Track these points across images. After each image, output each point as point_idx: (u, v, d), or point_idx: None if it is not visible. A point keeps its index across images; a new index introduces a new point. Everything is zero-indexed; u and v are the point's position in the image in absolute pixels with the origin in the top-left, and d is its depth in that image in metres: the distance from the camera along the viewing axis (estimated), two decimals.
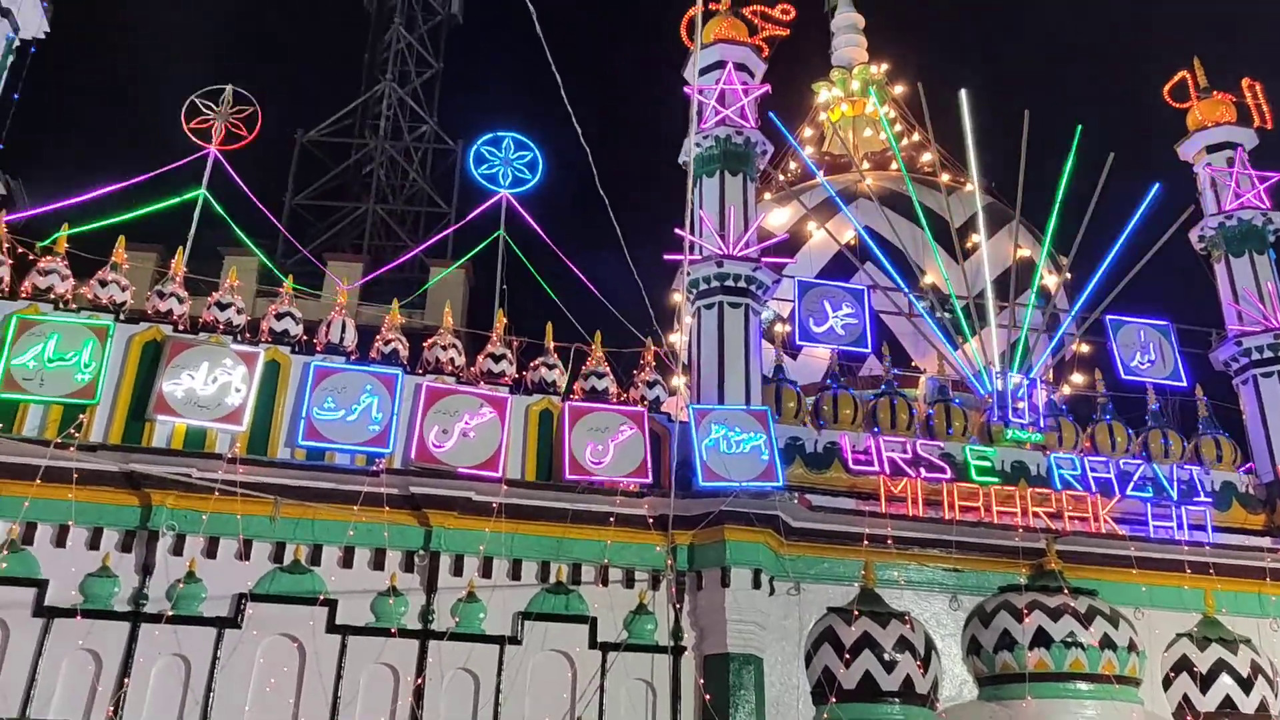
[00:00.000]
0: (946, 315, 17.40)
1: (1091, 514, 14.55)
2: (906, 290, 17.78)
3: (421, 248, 18.07)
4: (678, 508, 12.80)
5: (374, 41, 35.74)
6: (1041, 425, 15.39)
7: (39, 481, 11.17)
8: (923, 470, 14.39)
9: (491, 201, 15.90)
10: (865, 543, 13.37)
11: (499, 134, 16.24)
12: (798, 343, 16.10)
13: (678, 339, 17.77)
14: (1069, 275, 19.74)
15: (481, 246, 15.65)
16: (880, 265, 18.11)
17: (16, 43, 13.78)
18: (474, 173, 16.27)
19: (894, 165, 20.56)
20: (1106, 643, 13.09)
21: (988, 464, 14.78)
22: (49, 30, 14.31)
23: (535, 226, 15.53)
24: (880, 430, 14.76)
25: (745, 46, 16.46)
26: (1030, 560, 13.78)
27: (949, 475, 14.43)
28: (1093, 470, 14.96)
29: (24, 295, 12.52)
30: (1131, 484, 14.99)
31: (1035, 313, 17.62)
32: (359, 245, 31.36)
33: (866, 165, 21.87)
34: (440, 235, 18.20)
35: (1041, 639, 13.07)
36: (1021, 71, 36.17)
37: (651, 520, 12.94)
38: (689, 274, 14.86)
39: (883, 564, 13.50)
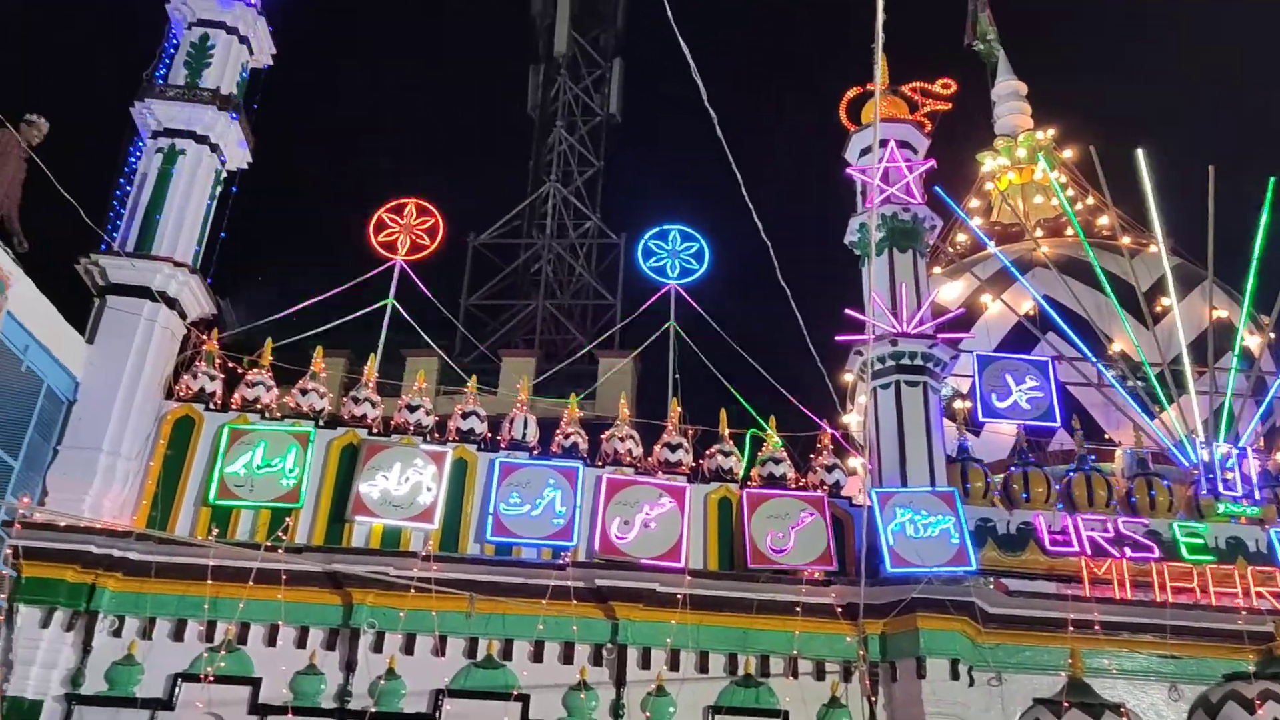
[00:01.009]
0: (1139, 384, 16.56)
1: None
2: (1094, 360, 17.04)
3: (595, 343, 18.50)
4: (866, 595, 12.43)
5: (538, 145, 37.31)
6: (1257, 497, 14.33)
7: (251, 583, 11.79)
8: (1127, 550, 13.57)
9: (660, 293, 16.16)
10: (1070, 629, 12.63)
11: (665, 227, 16.57)
12: (980, 420, 15.60)
13: (853, 420, 17.53)
14: (1273, 335, 18.53)
15: (653, 338, 15.88)
16: (1064, 335, 17.45)
17: (224, 174, 15.00)
18: (642, 266, 16.60)
19: (1069, 231, 19.95)
20: None
21: (1200, 541, 13.81)
22: (251, 160, 15.52)
23: (706, 317, 15.69)
24: (1077, 508, 14.04)
25: (907, 123, 16.38)
26: (1257, 645, 12.66)
27: (1157, 554, 13.56)
28: None
29: (234, 407, 13.39)
30: None
31: (1239, 377, 16.57)
32: (530, 340, 32.35)
33: (1039, 233, 21.26)
34: (612, 330, 18.51)
35: None
36: (1197, 126, 34.67)
37: (840, 609, 12.62)
38: (862, 354, 14.67)
39: (1091, 651, 12.67)
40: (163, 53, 15.02)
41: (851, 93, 16.95)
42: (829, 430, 14.53)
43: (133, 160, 14.37)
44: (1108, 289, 17.46)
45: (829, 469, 14.12)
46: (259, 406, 13.41)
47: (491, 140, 43.64)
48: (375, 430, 13.52)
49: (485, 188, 37.65)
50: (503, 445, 13.74)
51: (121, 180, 14.30)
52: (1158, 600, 13.16)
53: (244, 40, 15.30)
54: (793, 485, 13.89)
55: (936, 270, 20.95)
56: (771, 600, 12.61)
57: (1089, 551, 13.56)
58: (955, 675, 12.15)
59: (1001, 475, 14.63)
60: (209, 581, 11.83)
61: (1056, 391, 15.22)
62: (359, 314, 15.35)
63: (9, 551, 11.50)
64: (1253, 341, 18.00)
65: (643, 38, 38.53)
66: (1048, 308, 17.97)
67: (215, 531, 12.42)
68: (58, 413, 12.52)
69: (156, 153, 14.27)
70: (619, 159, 37.58)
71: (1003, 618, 12.69)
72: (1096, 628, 12.69)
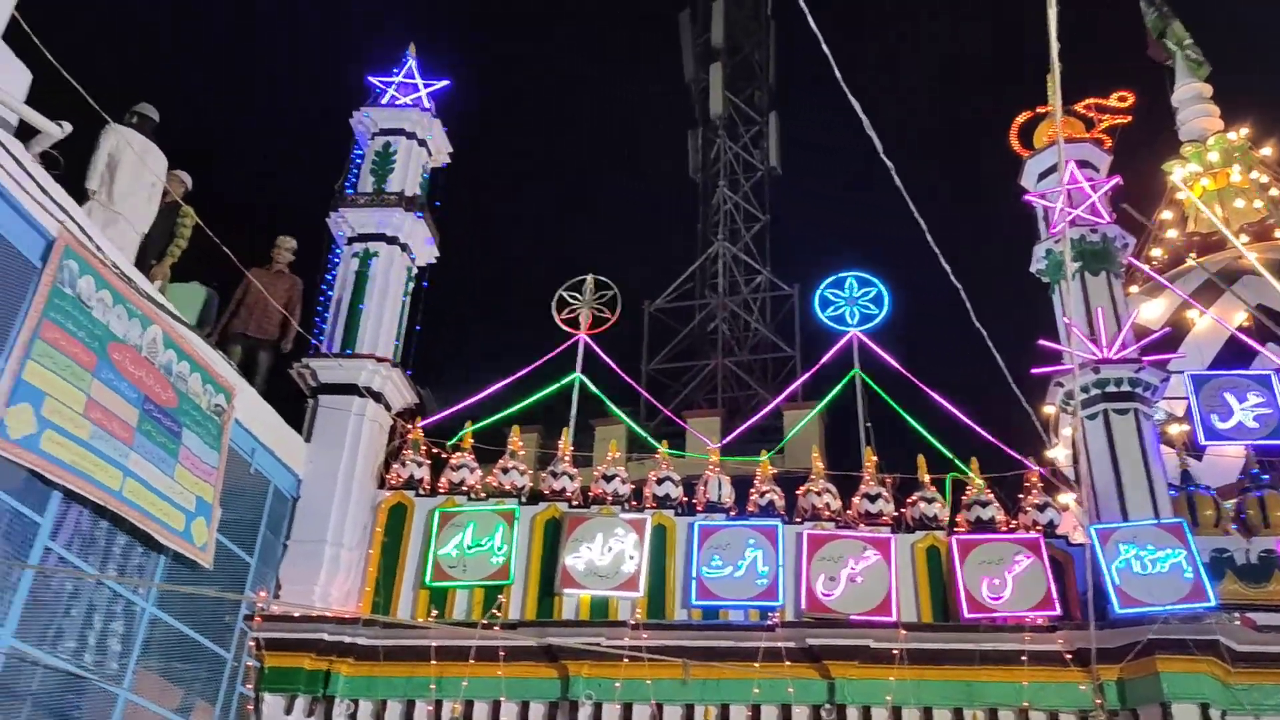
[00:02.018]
0: None
1: None
2: None
3: (780, 398, 18.40)
4: (1097, 639, 11.73)
5: (703, 206, 37.81)
6: None
7: (472, 661, 12.17)
8: None
9: (843, 342, 15.97)
10: None
11: (841, 275, 16.42)
12: (1202, 443, 14.61)
13: (1060, 455, 16.74)
14: None
15: (840, 388, 15.69)
16: None
17: (414, 270, 15.84)
18: (820, 316, 16.46)
19: (1278, 233, 18.60)
20: None
21: None
22: (438, 255, 16.34)
23: (892, 362, 15.40)
24: None
25: (1085, 142, 15.76)
26: None
27: None
28: None
29: (442, 490, 13.96)
30: None
31: None
32: (713, 399, 32.47)
33: (1244, 239, 19.95)
34: (796, 383, 18.40)
35: None
36: None
37: (1069, 656, 11.97)
38: (1063, 385, 14.04)
39: None
40: (350, 164, 16.06)
41: (1021, 118, 16.49)
42: (1036, 468, 13.92)
43: (332, 267, 15.35)
44: None
45: (1040, 508, 13.49)
46: (465, 488, 13.95)
47: (657, 207, 44.56)
48: (575, 503, 13.83)
49: (656, 254, 38.48)
50: (699, 508, 13.79)
51: (323, 286, 15.29)
52: None
53: (422, 143, 16.20)
54: (1003, 528, 13.34)
55: (1134, 290, 19.90)
56: (994, 650, 12.08)
57: None
58: None
59: (1234, 501, 13.64)
60: (433, 662, 12.28)
61: None
62: (550, 391, 15.84)
63: (253, 644, 12.28)
64: None
65: (797, 88, 38.74)
66: (1263, 317, 16.77)
67: (434, 613, 12.92)
68: (284, 510, 13.35)
69: (353, 257, 15.20)
70: (784, 210, 37.67)
71: (1254, 656, 11.70)
72: None
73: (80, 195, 11.15)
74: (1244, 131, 22.76)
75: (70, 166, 10.49)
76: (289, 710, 12.32)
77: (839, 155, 35.43)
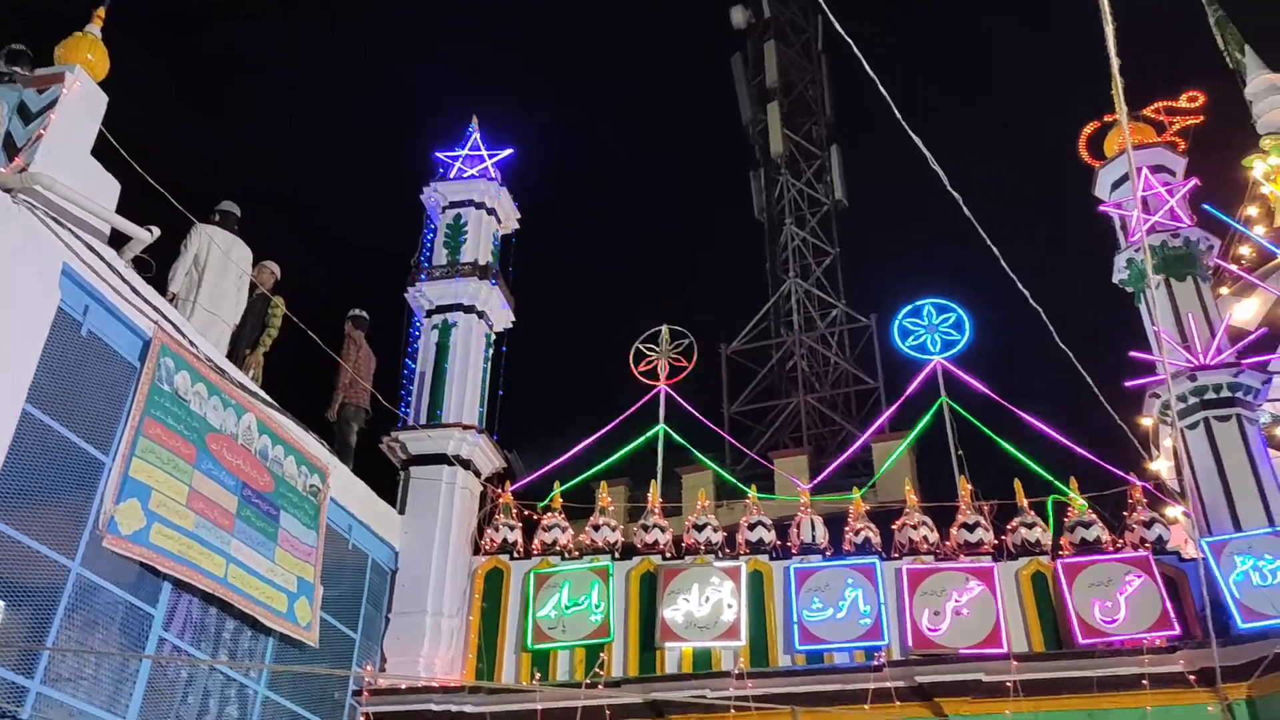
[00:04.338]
0: None
1: None
2: None
3: (871, 431, 18.20)
4: (1221, 657, 11.27)
5: (771, 246, 37.79)
6: None
7: None
8: None
9: (926, 371, 15.74)
10: None
11: (919, 303, 16.23)
12: None
13: (1162, 468, 16.23)
14: None
15: (929, 416, 15.45)
16: None
17: (492, 336, 16.11)
18: (901, 346, 16.25)
19: None
20: None
21: None
22: (514, 320, 16.60)
23: (980, 387, 15.14)
24: None
25: (1157, 147, 15.46)
26: None
27: None
28: None
29: (536, 552, 14.06)
30: None
31: None
32: (798, 438, 32.18)
33: None
34: (885, 416, 18.16)
35: None
36: None
37: (1192, 676, 11.52)
38: (1160, 396, 13.66)
39: None
40: (423, 239, 16.48)
41: (1089, 129, 16.23)
42: (1138, 483, 13.51)
43: (413, 340, 15.70)
44: None
45: (1147, 524, 13.09)
46: (558, 548, 14.02)
47: (726, 251, 44.70)
48: (668, 554, 13.80)
49: (728, 299, 38.50)
50: (793, 551, 13.65)
51: (406, 360, 15.62)
52: None
53: (491, 212, 16.56)
54: (1110, 548, 12.95)
55: (1224, 291, 19.29)
56: (1112, 676, 11.69)
57: None
58: None
59: None
60: None
61: None
62: (635, 445, 15.89)
63: (363, 718, 12.43)
64: None
65: (855, 117, 38.67)
66: None
67: (538, 675, 12.95)
68: (384, 583, 13.57)
69: (432, 329, 15.54)
70: (853, 242, 37.48)
71: None
72: None
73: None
74: None
75: (162, 266, 10.98)
76: None
77: (905, 183, 35.28)
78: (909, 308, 16.29)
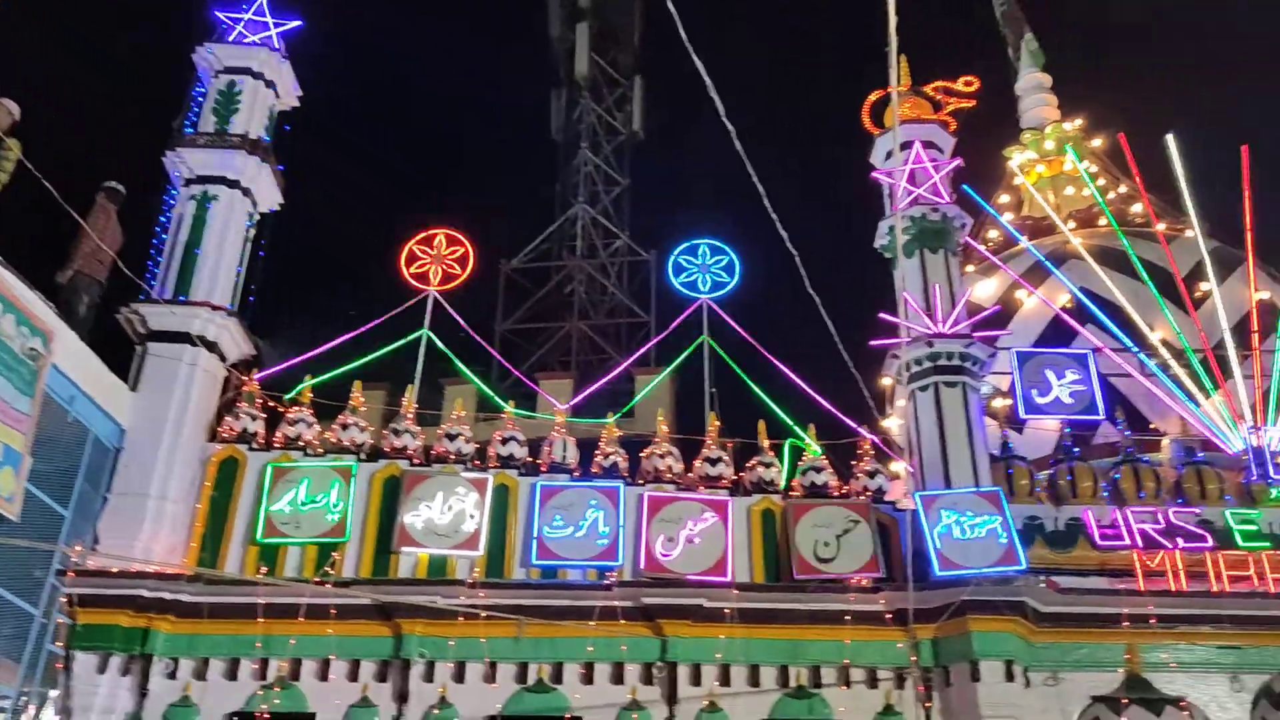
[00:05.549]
0: (1183, 371, 16.30)
1: None
2: (1135, 349, 16.81)
3: (628, 361, 18.53)
4: (916, 600, 12.31)
5: (564, 168, 37.50)
6: None
7: (302, 619, 11.89)
8: (1180, 540, 13.35)
9: (693, 308, 16.15)
10: (1125, 624, 12.47)
11: (695, 242, 16.58)
12: (1022, 416, 15.44)
13: (893, 425, 17.40)
14: None
15: (687, 353, 15.87)
16: (1103, 326, 17.23)
17: (256, 216, 15.23)
18: (674, 282, 16.60)
19: (1102, 221, 19.75)
20: None
21: (1254, 528, 13.55)
22: (282, 202, 15.74)
23: (739, 329, 15.66)
24: (1126, 501, 13.83)
25: (931, 124, 16.30)
26: None
27: (1210, 544, 13.33)
28: None
29: (277, 445, 13.54)
30: None
31: None
32: (566, 362, 32.38)
33: (1072, 224, 21.04)
34: (645, 347, 18.52)
35: None
36: (1225, 107, 34.07)
37: (889, 616, 12.53)
38: (899, 357, 14.58)
39: (1148, 646, 12.47)
40: (191, 101, 15.30)
41: (874, 96, 16.90)
42: (869, 436, 14.43)
43: (167, 209, 14.63)
44: (1145, 276, 17.25)
45: (871, 475, 14.04)
46: (301, 444, 13.56)
47: (517, 166, 44.12)
48: (416, 461, 13.61)
49: (514, 213, 37.98)
50: (543, 469, 13.78)
51: (157, 229, 14.55)
52: (1214, 590, 12.95)
53: (270, 84, 15.56)
54: (835, 493, 13.81)
55: (969, 269, 20.77)
56: (820, 610, 12.55)
57: (1140, 544, 13.36)
58: (1010, 677, 12.01)
59: (1047, 472, 14.47)
60: (260, 620, 11.97)
61: (1099, 384, 15.03)
62: (395, 346, 15.49)
63: (64, 600, 11.70)
64: None
65: (662, 52, 38.71)
66: (1085, 299, 17.76)
67: (264, 570, 12.55)
68: (105, 461, 12.74)
69: (190, 200, 14.52)
70: (645, 176, 37.70)
71: (1056, 616, 12.52)
72: (1152, 621, 12.50)
73: None
74: (1078, 122, 23.98)
75: None
76: (102, 669, 11.79)
77: (703, 121, 35.73)
78: (685, 245, 16.62)
